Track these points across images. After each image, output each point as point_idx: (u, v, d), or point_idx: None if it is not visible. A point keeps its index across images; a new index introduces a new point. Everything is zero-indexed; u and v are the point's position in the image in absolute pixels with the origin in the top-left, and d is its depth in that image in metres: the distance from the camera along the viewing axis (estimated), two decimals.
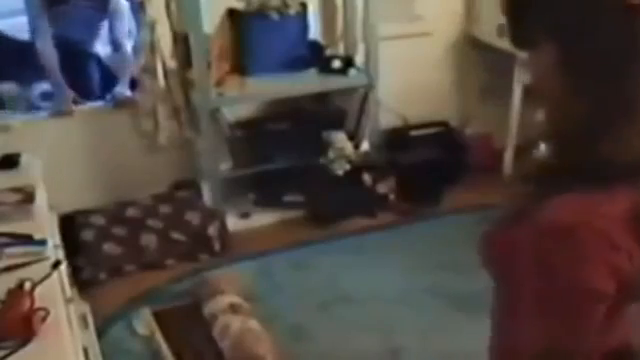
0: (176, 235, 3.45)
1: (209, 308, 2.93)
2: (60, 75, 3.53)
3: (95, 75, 3.92)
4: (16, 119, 3.51)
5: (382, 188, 3.85)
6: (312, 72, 3.72)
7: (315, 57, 3.73)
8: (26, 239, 1.94)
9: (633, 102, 1.01)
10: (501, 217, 1.15)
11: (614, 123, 1.01)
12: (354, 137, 3.82)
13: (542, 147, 1.14)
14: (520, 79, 3.76)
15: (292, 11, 3.62)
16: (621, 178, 1.00)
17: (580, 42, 1.01)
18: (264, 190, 3.86)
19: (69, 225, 3.24)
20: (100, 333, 2.82)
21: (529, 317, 1.02)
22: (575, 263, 0.96)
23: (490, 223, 1.17)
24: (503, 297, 1.17)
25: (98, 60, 3.94)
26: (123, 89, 3.76)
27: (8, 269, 1.78)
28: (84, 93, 3.75)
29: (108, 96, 3.78)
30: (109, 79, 3.89)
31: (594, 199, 0.98)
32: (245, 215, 3.79)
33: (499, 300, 1.20)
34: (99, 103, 3.75)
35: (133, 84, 3.72)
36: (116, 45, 3.95)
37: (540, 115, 1.11)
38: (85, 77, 3.87)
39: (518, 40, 1.09)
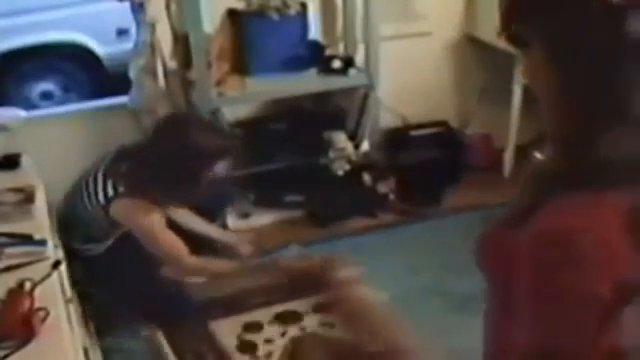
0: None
1: None
2: None
3: None
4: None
5: (382, 188, 3.85)
6: (312, 72, 3.71)
7: (315, 57, 3.72)
8: (26, 239, 1.94)
9: (624, 102, 1.00)
10: (500, 218, 1.14)
11: (607, 124, 1.00)
12: (354, 137, 3.82)
13: (542, 148, 1.15)
14: (520, 79, 3.76)
15: (292, 11, 3.61)
16: (618, 181, 0.99)
17: (566, 42, 1.01)
18: (264, 190, 3.86)
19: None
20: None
21: (525, 318, 1.02)
22: (573, 268, 0.96)
23: (488, 224, 1.16)
24: (498, 298, 1.17)
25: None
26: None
27: (8, 269, 1.78)
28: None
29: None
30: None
31: (591, 203, 0.98)
32: (245, 215, 3.79)
33: (493, 301, 1.20)
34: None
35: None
36: None
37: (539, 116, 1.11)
38: None
39: (511, 39, 1.10)
